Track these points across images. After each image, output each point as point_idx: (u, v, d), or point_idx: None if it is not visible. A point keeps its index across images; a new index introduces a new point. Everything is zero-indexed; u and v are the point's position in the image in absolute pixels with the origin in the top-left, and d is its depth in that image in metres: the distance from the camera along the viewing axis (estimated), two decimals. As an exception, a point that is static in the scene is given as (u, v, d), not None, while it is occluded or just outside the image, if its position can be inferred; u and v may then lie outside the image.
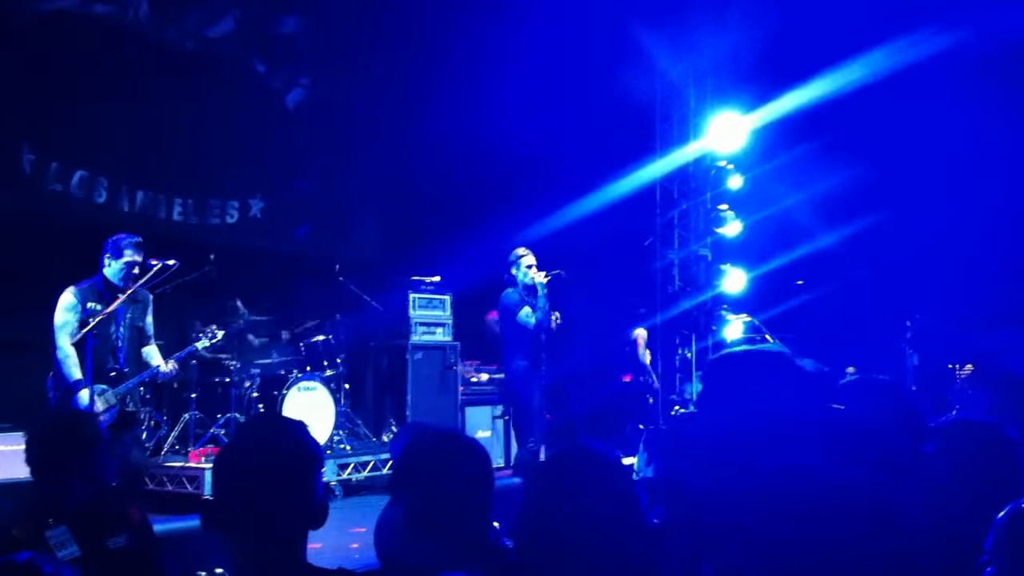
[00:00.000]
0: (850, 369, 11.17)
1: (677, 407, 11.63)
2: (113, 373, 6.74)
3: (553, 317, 8.96)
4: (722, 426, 2.31)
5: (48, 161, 9.95)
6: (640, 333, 12.15)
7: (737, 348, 2.52)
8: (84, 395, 6.46)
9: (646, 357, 12.18)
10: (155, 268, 7.00)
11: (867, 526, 1.95)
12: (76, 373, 6.50)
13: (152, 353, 7.11)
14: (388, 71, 12.48)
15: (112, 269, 6.75)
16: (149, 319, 7.14)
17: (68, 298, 6.62)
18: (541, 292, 8.97)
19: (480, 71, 11.62)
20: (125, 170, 10.63)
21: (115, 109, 10.27)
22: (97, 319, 6.56)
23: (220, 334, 7.75)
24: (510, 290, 9.22)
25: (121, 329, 6.84)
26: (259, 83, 11.94)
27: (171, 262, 7.12)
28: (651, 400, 11.94)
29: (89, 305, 6.63)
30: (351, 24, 12.24)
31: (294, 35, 12.15)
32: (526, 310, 9.00)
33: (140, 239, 6.89)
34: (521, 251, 9.25)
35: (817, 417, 2.28)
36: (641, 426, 10.38)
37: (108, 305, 6.68)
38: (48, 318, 6.72)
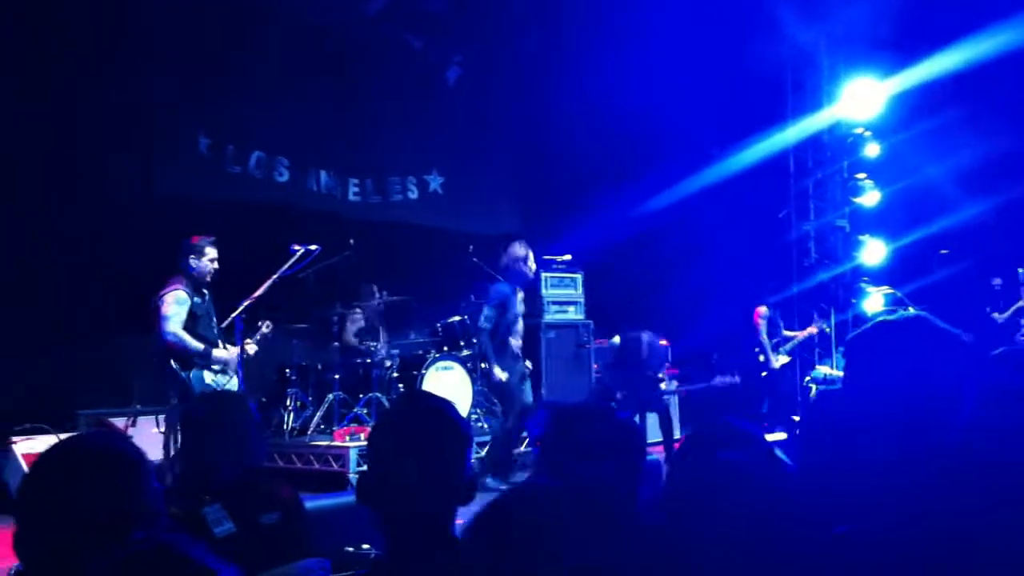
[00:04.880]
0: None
1: (812, 384, 11.36)
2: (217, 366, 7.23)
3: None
4: (869, 405, 2.25)
5: (224, 144, 10.37)
6: (759, 310, 11.86)
7: (878, 319, 2.43)
8: (218, 352, 7.15)
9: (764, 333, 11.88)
10: (298, 253, 7.21)
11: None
12: (198, 344, 7.07)
13: None
14: (522, 48, 12.56)
15: (200, 266, 7.21)
16: None
17: (179, 293, 7.09)
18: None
19: (612, 44, 11.57)
20: (303, 150, 11.13)
21: (284, 92, 10.73)
22: (202, 313, 7.13)
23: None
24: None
25: (214, 328, 7.36)
26: (417, 59, 12.19)
27: (313, 247, 7.35)
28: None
29: (196, 299, 7.17)
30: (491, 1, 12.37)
31: (442, 12, 12.34)
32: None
33: (215, 238, 7.34)
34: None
35: (967, 392, 2.20)
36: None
37: (204, 300, 7.22)
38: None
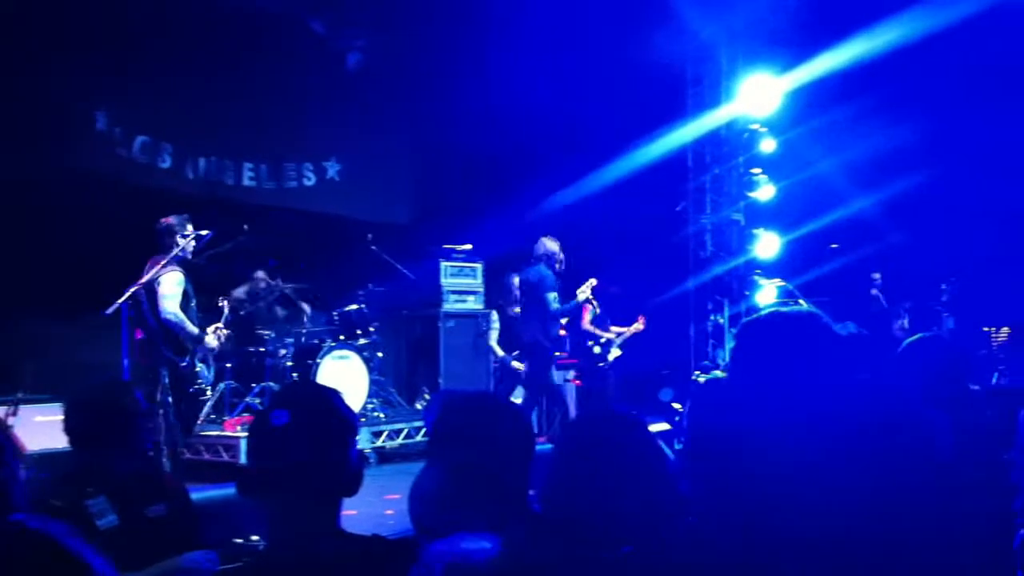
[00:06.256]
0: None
1: (698, 372, 11.49)
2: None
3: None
4: (751, 394, 2.28)
5: (113, 126, 10.11)
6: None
7: (767, 311, 2.48)
8: (211, 339, 7.42)
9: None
10: (188, 238, 7.10)
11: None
12: (194, 328, 7.23)
13: None
14: (426, 39, 12.46)
15: (185, 245, 7.30)
16: None
17: (177, 274, 7.16)
18: None
19: (511, 37, 11.53)
20: (189, 136, 10.81)
21: (178, 75, 10.40)
22: (191, 293, 7.34)
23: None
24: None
25: (195, 309, 7.48)
26: (319, 44, 12.01)
27: (204, 232, 7.26)
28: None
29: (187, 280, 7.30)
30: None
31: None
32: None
33: (188, 215, 7.48)
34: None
35: (845, 389, 2.24)
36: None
37: (188, 280, 7.33)
38: (94, 290, 7.04)
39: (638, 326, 12.01)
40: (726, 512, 2.21)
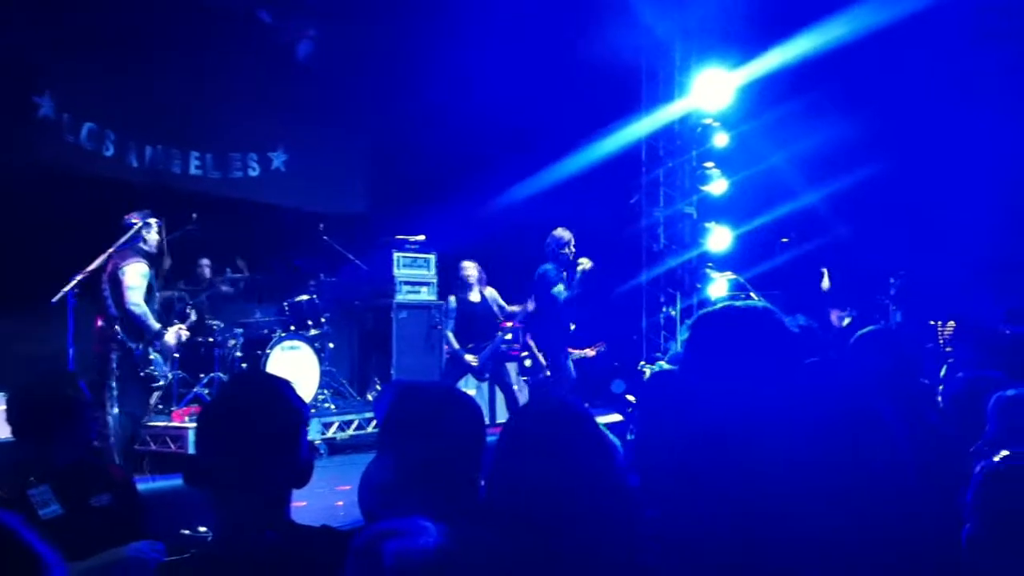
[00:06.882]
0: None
1: (643, 363, 11.48)
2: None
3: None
4: (705, 389, 2.28)
5: (61, 112, 10.01)
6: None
7: (722, 304, 2.48)
8: (170, 336, 7.54)
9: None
10: (136, 226, 7.03)
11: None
12: (156, 323, 7.34)
13: None
14: (379, 29, 12.38)
15: (151, 240, 7.47)
16: None
17: (142, 267, 7.27)
18: None
19: (466, 31, 11.49)
20: (134, 124, 10.74)
21: (124, 63, 10.31)
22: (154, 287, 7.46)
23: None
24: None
25: (156, 304, 7.63)
26: (266, 34, 11.92)
27: (153, 220, 7.23)
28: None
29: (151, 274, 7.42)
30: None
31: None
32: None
33: (150, 210, 7.64)
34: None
35: (798, 386, 2.25)
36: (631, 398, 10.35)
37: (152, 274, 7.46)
38: (37, 278, 6.91)
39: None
40: (680, 506, 2.22)
